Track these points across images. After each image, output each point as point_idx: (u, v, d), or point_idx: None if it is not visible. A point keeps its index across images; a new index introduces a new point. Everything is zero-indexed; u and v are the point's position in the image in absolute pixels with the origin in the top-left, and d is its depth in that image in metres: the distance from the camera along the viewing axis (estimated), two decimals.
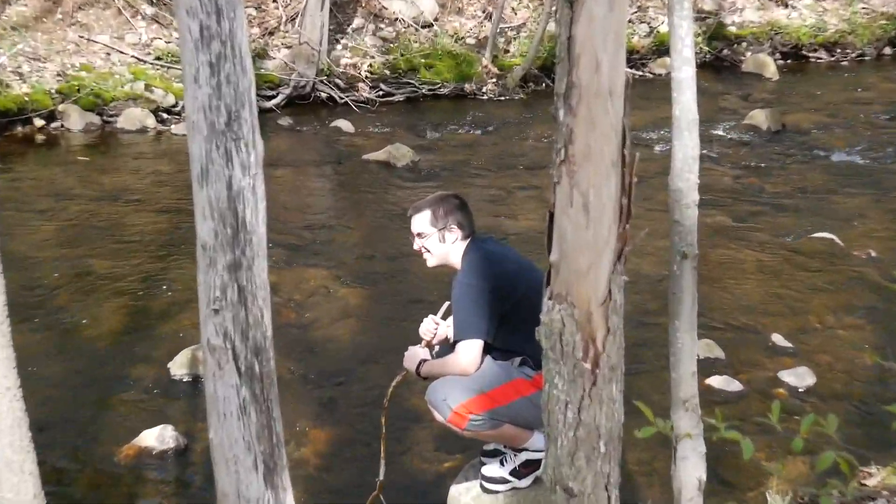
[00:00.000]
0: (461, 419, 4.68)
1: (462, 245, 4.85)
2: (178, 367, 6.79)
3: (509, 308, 4.63)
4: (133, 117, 13.48)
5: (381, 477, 4.95)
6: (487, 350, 4.81)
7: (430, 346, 5.08)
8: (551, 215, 2.31)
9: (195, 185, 2.62)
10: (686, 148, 4.39)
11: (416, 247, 4.90)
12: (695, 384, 4.36)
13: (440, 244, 4.84)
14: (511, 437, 4.84)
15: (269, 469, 2.80)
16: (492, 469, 5.02)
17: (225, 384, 2.75)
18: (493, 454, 5.13)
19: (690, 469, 4.41)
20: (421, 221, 4.87)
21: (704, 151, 12.06)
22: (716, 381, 6.60)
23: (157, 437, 5.97)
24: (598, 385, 2.29)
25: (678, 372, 4.34)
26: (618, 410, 2.33)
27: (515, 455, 4.98)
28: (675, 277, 4.38)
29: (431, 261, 4.89)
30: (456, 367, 4.67)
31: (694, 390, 4.35)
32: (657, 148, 12.58)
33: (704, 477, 4.48)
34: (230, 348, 2.72)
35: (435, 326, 5.05)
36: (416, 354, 4.96)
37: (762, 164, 12.08)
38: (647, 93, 15.16)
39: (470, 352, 4.65)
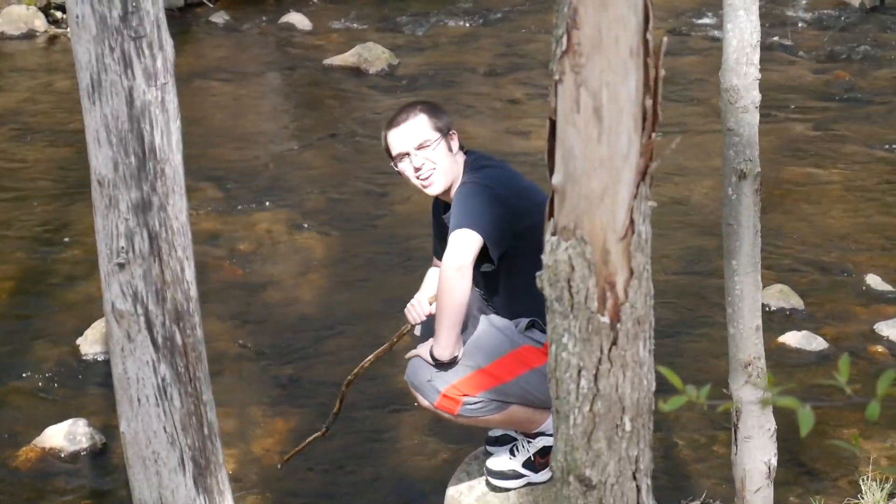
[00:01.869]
0: (453, 403, 4.70)
1: (460, 159, 4.84)
2: (90, 344, 6.83)
3: (522, 231, 4.62)
4: (15, 18, 13.41)
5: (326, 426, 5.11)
6: (480, 302, 4.82)
7: (409, 332, 5.08)
8: (553, 124, 2.30)
9: (85, 102, 2.62)
10: (742, 32, 4.40)
11: (416, 164, 4.75)
12: (760, 342, 4.41)
13: (448, 154, 4.77)
14: (521, 421, 4.86)
15: (199, 468, 2.83)
16: (500, 461, 5.05)
17: (137, 361, 2.77)
18: (501, 441, 5.16)
19: (756, 452, 4.48)
20: (419, 127, 4.76)
21: (775, 38, 12.07)
22: (792, 339, 6.64)
23: (67, 435, 6.01)
24: (620, 344, 2.30)
25: (737, 326, 4.39)
26: (647, 376, 2.34)
27: (529, 442, 5.02)
28: (731, 203, 4.41)
29: (439, 181, 4.77)
30: (447, 282, 4.55)
31: (759, 350, 4.40)
32: (711, 33, 12.55)
33: (775, 462, 4.55)
34: (142, 314, 2.74)
35: (425, 310, 4.97)
36: (420, 356, 4.88)
37: (853, 54, 12.06)
38: None
39: (462, 242, 4.53)
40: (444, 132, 4.78)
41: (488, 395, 4.69)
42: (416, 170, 4.74)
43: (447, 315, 4.60)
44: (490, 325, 4.81)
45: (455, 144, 4.82)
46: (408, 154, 4.76)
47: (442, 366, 4.70)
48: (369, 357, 5.09)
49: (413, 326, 5.03)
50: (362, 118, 10.73)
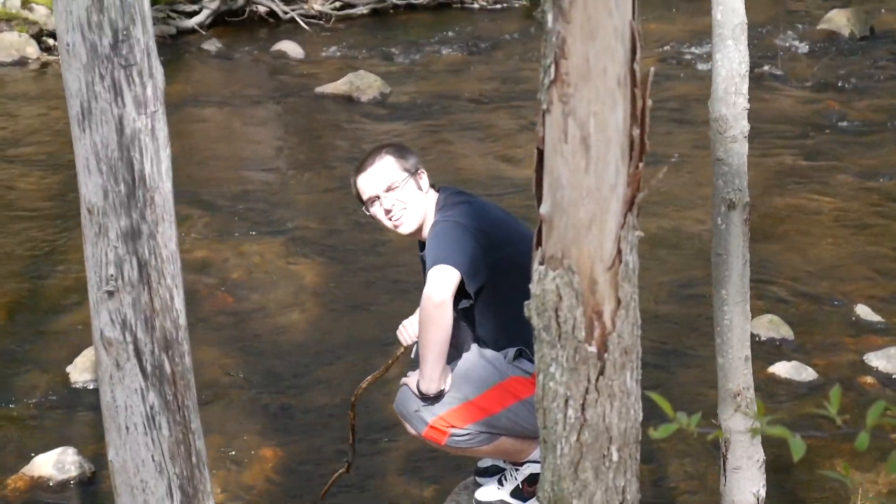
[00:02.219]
0: (440, 434, 4.72)
1: (431, 198, 4.86)
2: (80, 372, 6.82)
3: (497, 262, 4.63)
4: (7, 45, 13.45)
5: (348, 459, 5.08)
6: (472, 333, 4.82)
7: (406, 353, 5.09)
8: (541, 154, 2.31)
9: (75, 130, 2.63)
10: (731, 62, 4.42)
11: (386, 206, 4.79)
12: (749, 372, 4.41)
13: (418, 193, 4.80)
14: (509, 451, 4.87)
15: (187, 497, 2.83)
16: (488, 492, 5.07)
17: (126, 389, 2.77)
18: (490, 472, 5.17)
19: (745, 483, 4.48)
20: (386, 170, 4.81)
21: (765, 68, 12.12)
22: (782, 369, 6.64)
23: (55, 464, 5.99)
24: (607, 374, 2.31)
25: (726, 356, 4.40)
26: (634, 406, 2.35)
27: (517, 470, 5.03)
28: (720, 233, 4.42)
29: (410, 221, 4.81)
30: (426, 315, 4.58)
31: (748, 380, 4.41)
32: (699, 66, 12.59)
33: (764, 493, 4.55)
34: (131, 342, 2.74)
35: (416, 331, 4.98)
36: (408, 386, 4.89)
37: (844, 83, 12.11)
38: None
39: (440, 277, 4.54)
40: (412, 172, 4.81)
41: (476, 427, 4.70)
42: (387, 211, 4.79)
43: (430, 350, 4.62)
44: (479, 356, 4.81)
45: (424, 183, 4.84)
46: (378, 197, 4.80)
47: (428, 399, 4.71)
48: (367, 378, 5.12)
49: (407, 348, 5.04)
50: (354, 146, 10.74)
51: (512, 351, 4.77)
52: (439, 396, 4.71)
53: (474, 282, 4.62)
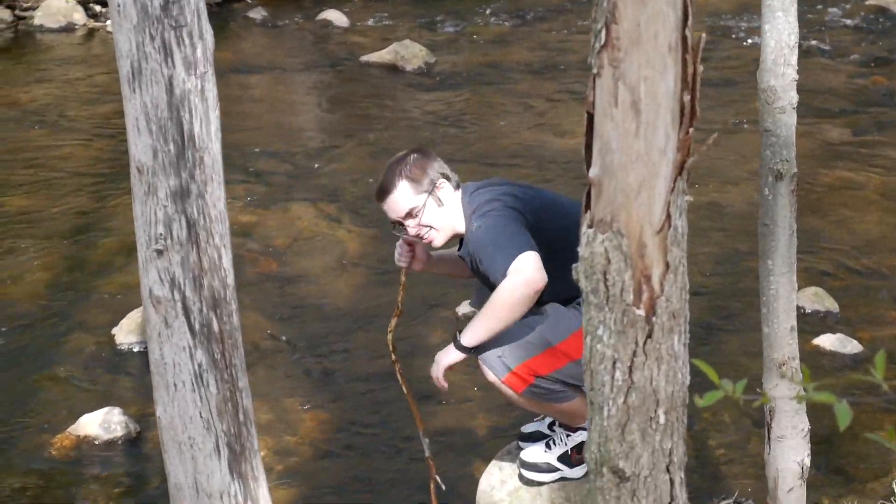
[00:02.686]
0: (521, 382, 4.69)
1: (456, 198, 4.83)
2: (126, 334, 6.87)
3: (546, 230, 4.63)
4: (55, 11, 13.49)
5: (428, 452, 5.00)
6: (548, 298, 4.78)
7: (407, 274, 5.01)
8: (590, 118, 2.31)
9: (125, 90, 2.64)
10: (780, 33, 4.39)
11: (412, 232, 4.80)
12: (794, 342, 4.40)
13: (439, 210, 4.78)
14: (573, 412, 4.83)
15: (234, 454, 2.85)
16: (535, 453, 5.05)
17: (174, 346, 2.79)
18: (535, 438, 5.16)
19: (789, 452, 4.47)
20: (402, 197, 4.77)
21: (814, 42, 12.02)
22: (827, 341, 6.62)
23: (101, 424, 6.05)
24: (655, 337, 2.31)
25: (771, 326, 4.39)
26: (681, 369, 2.35)
27: (568, 436, 5.02)
28: (767, 204, 4.40)
29: (439, 237, 4.81)
30: (514, 291, 4.51)
31: (793, 350, 4.39)
32: (749, 40, 12.51)
33: (808, 462, 4.54)
34: (179, 300, 2.76)
35: (409, 249, 4.98)
36: (442, 356, 4.87)
37: (890, 58, 11.99)
38: None
39: (526, 262, 4.50)
40: (430, 190, 4.77)
41: (558, 374, 4.67)
42: (415, 235, 4.80)
43: (497, 323, 4.60)
44: (557, 306, 4.78)
45: (445, 193, 4.80)
46: (401, 223, 4.81)
47: (463, 349, 4.71)
48: (392, 321, 5.04)
49: (406, 269, 5.00)
50: (398, 115, 10.74)
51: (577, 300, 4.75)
52: (469, 351, 4.72)
53: (555, 256, 4.62)
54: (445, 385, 4.85)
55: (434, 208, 4.77)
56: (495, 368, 4.69)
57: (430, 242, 4.84)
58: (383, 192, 4.82)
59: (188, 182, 2.72)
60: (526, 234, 4.58)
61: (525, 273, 4.49)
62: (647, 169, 2.27)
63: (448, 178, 4.84)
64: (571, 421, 4.92)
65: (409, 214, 4.78)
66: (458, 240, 4.94)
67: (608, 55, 2.25)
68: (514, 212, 4.66)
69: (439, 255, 5.15)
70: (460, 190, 4.86)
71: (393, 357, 5.05)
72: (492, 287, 4.64)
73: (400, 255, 4.98)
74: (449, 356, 4.76)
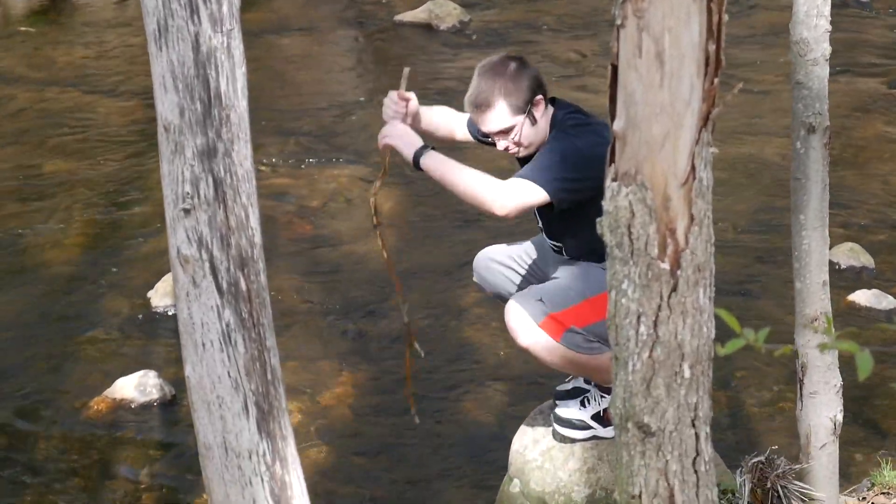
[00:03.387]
0: (558, 327, 4.63)
1: (547, 114, 4.76)
2: (161, 297, 6.91)
3: (591, 197, 4.57)
4: None
5: (406, 318, 4.83)
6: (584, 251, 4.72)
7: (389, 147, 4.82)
8: (614, 70, 2.30)
9: (152, 48, 2.64)
10: None
11: (501, 147, 4.72)
12: (826, 297, 4.38)
13: (532, 128, 4.71)
14: (606, 370, 4.79)
15: (262, 413, 2.86)
16: (569, 410, 5.03)
17: (202, 306, 2.80)
18: (573, 395, 5.13)
19: (821, 408, 4.46)
20: (498, 118, 4.68)
21: None
22: (862, 297, 6.59)
23: (137, 387, 6.10)
24: (680, 291, 2.30)
25: (804, 281, 4.37)
26: (706, 324, 2.34)
27: (603, 397, 5.01)
28: (799, 157, 4.37)
29: (526, 151, 4.75)
30: (485, 193, 4.44)
31: (826, 305, 4.37)
32: None
33: (840, 417, 4.52)
34: (207, 259, 2.77)
35: (402, 103, 4.72)
36: (408, 132, 4.64)
37: None
38: None
39: (520, 193, 4.46)
40: (526, 108, 4.68)
41: (592, 328, 4.64)
42: (505, 149, 4.70)
43: (463, 186, 4.49)
44: (591, 265, 4.75)
45: (540, 111, 4.71)
46: (492, 135, 4.71)
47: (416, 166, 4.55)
48: (377, 184, 4.81)
49: (388, 152, 4.71)
50: (433, 75, 10.71)
51: None
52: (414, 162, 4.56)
53: (570, 202, 4.55)
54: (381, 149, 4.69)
55: (528, 127, 4.69)
56: (533, 312, 4.64)
57: (516, 155, 4.74)
58: (479, 106, 4.65)
59: (215, 141, 2.71)
60: (564, 177, 4.50)
61: (502, 197, 4.45)
62: (672, 120, 2.26)
63: (544, 93, 4.75)
64: (605, 380, 4.90)
65: (503, 133, 4.69)
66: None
67: (632, 5, 2.23)
68: (577, 151, 4.57)
69: (429, 113, 4.99)
70: (553, 106, 4.77)
71: (375, 220, 4.79)
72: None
73: (393, 111, 4.73)
74: (407, 149, 4.57)
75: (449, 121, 5.07)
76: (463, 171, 4.52)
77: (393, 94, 4.75)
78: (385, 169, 4.73)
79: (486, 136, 4.80)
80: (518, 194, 4.48)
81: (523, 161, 4.78)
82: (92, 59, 11.21)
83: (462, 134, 5.04)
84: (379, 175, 4.72)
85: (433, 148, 4.55)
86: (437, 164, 4.51)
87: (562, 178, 4.53)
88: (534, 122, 4.68)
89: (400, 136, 4.61)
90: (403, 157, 4.56)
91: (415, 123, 4.81)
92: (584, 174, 4.53)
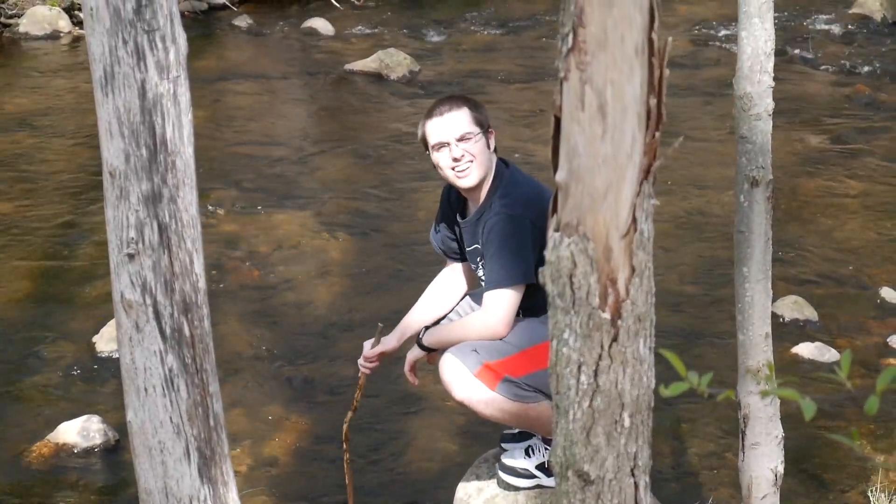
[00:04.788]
0: (494, 377, 4.68)
1: (494, 160, 4.87)
2: (106, 342, 6.87)
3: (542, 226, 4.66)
4: (39, 19, 13.49)
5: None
6: (521, 308, 4.82)
7: (362, 386, 5.18)
8: (557, 121, 2.32)
9: (98, 94, 2.65)
10: (757, 40, 4.41)
11: (455, 154, 4.77)
12: (769, 349, 4.41)
13: (486, 150, 4.80)
14: (546, 422, 4.82)
15: (204, 459, 2.85)
16: (515, 459, 5.05)
17: (145, 350, 2.79)
18: (518, 438, 5.15)
19: (763, 459, 4.48)
20: (463, 119, 4.78)
21: (796, 51, 12.05)
22: (805, 350, 6.64)
23: (80, 431, 6.05)
24: (621, 341, 2.31)
25: (746, 333, 4.39)
26: (646, 373, 2.35)
27: (547, 448, 5.03)
28: (743, 211, 4.41)
29: (474, 174, 4.79)
30: (482, 328, 4.69)
31: (768, 356, 4.40)
32: (727, 46, 12.54)
33: (782, 469, 4.54)
34: (151, 304, 2.76)
35: (375, 363, 5.11)
36: (412, 349, 4.99)
37: (874, 67, 12.04)
38: None
39: (504, 304, 4.64)
40: (485, 129, 4.81)
41: (527, 379, 4.69)
42: (455, 160, 4.75)
43: (455, 339, 4.72)
44: (528, 319, 4.83)
45: (492, 143, 4.85)
46: (447, 144, 4.76)
47: (423, 347, 4.91)
48: (348, 414, 5.18)
49: (367, 378, 5.16)
50: (383, 124, 10.76)
51: None
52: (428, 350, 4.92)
53: (534, 276, 4.68)
54: (415, 380, 5.02)
55: (483, 145, 4.78)
56: (468, 362, 4.69)
57: (461, 178, 4.81)
58: (440, 109, 4.81)
59: (160, 186, 2.72)
60: (528, 259, 4.63)
61: (494, 319, 4.71)
62: (614, 173, 2.28)
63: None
64: (545, 431, 4.92)
65: (463, 137, 4.75)
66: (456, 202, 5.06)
67: (575, 59, 2.25)
68: (530, 225, 4.69)
69: (415, 319, 5.21)
70: (497, 159, 4.89)
71: (344, 446, 5.16)
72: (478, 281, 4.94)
73: (362, 366, 5.11)
74: (412, 353, 4.94)
75: (435, 304, 5.28)
76: (456, 328, 4.88)
77: (367, 349, 5.09)
78: (356, 403, 5.16)
79: (452, 235, 5.08)
80: (502, 310, 4.72)
81: (458, 204, 4.87)
82: (39, 103, 11.18)
83: (449, 298, 5.28)
84: (351, 407, 5.16)
85: (426, 328, 4.97)
86: (437, 337, 4.90)
87: (522, 259, 4.63)
88: (488, 146, 4.77)
89: (407, 357, 4.99)
90: (417, 358, 4.97)
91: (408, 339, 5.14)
92: (535, 237, 4.64)
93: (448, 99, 4.92)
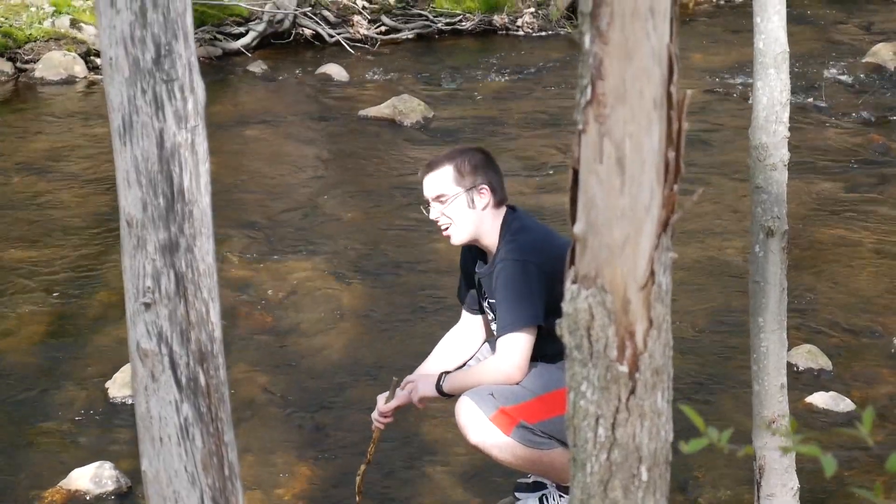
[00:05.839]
0: (509, 422, 4.70)
1: (497, 214, 4.89)
2: (119, 388, 6.86)
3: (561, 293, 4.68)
4: (56, 64, 13.56)
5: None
6: (536, 354, 4.84)
7: (377, 440, 5.23)
8: (575, 174, 2.32)
9: (116, 143, 2.65)
10: (772, 90, 4.42)
11: (433, 216, 4.87)
12: (784, 399, 4.40)
13: (468, 210, 4.84)
14: (560, 468, 4.83)
15: None
16: None
17: (160, 400, 2.79)
18: (532, 488, 5.15)
19: None
20: (439, 180, 4.85)
21: (809, 100, 12.08)
22: (820, 399, 6.61)
23: (93, 478, 6.03)
24: (638, 394, 2.31)
25: (762, 384, 4.39)
26: (664, 426, 2.35)
27: (561, 496, 5.02)
28: (758, 261, 4.42)
29: (458, 234, 4.84)
30: (496, 373, 4.72)
31: (784, 407, 4.39)
32: (742, 96, 12.57)
33: None
34: (166, 354, 2.76)
35: (389, 418, 5.15)
36: (426, 377, 5.01)
37: (888, 116, 12.04)
38: (734, 22, 15.16)
39: (517, 349, 4.68)
40: (469, 188, 4.82)
41: (542, 426, 4.70)
42: (435, 220, 4.84)
43: (479, 381, 4.73)
44: (543, 365, 4.85)
45: (481, 200, 4.85)
46: (428, 204, 4.88)
47: (440, 392, 4.94)
48: (361, 468, 5.27)
49: (382, 432, 5.22)
50: (396, 169, 10.78)
51: None
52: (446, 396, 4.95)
53: (542, 319, 4.70)
54: (421, 406, 5.11)
55: (463, 205, 4.83)
56: (484, 405, 4.70)
57: (446, 238, 4.87)
58: (428, 167, 4.93)
59: (177, 236, 2.72)
60: (536, 302, 4.65)
61: (508, 364, 4.74)
62: (632, 225, 2.28)
63: (494, 191, 4.90)
64: (561, 477, 4.91)
65: (438, 198, 4.83)
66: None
67: (594, 111, 2.26)
68: (536, 269, 4.71)
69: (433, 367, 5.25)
70: (506, 208, 4.92)
71: (357, 499, 5.27)
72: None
73: (377, 420, 5.16)
74: (428, 388, 4.96)
75: (451, 354, 5.36)
76: (472, 373, 4.91)
77: (381, 404, 5.15)
78: (370, 457, 5.25)
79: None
80: (516, 354, 4.77)
81: (479, 254, 4.88)
82: (54, 147, 11.23)
83: (466, 348, 5.31)
84: (365, 460, 5.25)
85: (445, 373, 4.99)
86: (456, 383, 4.91)
87: (530, 303, 4.66)
88: (471, 204, 4.78)
89: (419, 387, 5.02)
90: (428, 396, 5.02)
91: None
92: (543, 282, 4.66)
93: (438, 157, 4.97)
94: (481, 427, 4.71)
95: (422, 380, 4.99)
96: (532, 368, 4.79)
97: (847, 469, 5.81)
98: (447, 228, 4.84)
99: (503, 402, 4.70)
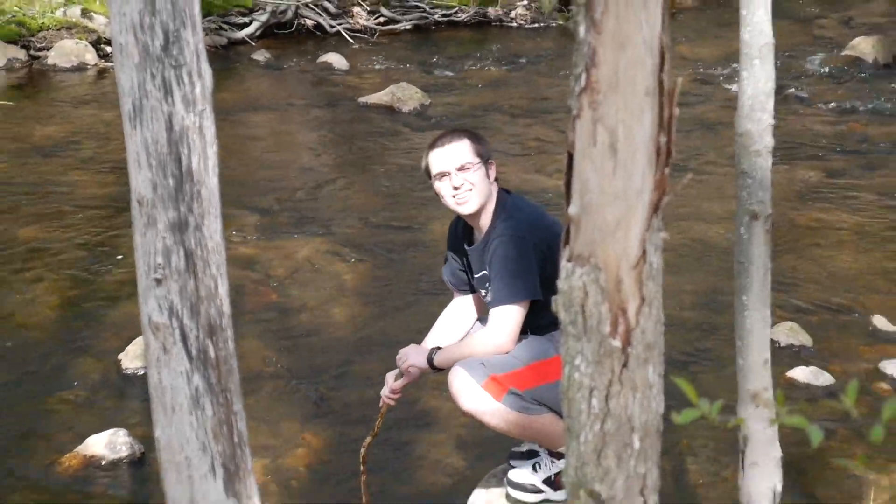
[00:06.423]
0: (500, 389, 4.70)
1: (495, 190, 4.92)
2: (132, 360, 6.86)
3: (553, 272, 4.67)
4: (67, 51, 13.53)
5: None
6: (526, 326, 4.84)
7: (384, 414, 5.23)
8: (570, 158, 2.31)
9: (127, 127, 2.64)
10: (757, 81, 4.40)
11: (455, 184, 4.83)
12: (768, 374, 4.39)
13: (485, 180, 4.86)
14: (550, 434, 4.84)
15: (229, 473, 2.84)
16: (522, 474, 5.06)
17: (172, 371, 2.78)
18: (526, 456, 5.16)
19: (761, 478, 4.45)
20: (463, 150, 4.84)
21: (791, 90, 12.08)
22: (800, 374, 6.62)
23: (107, 444, 6.03)
24: (630, 367, 2.30)
25: (746, 359, 4.37)
26: (655, 398, 2.34)
27: (553, 461, 5.03)
28: (743, 242, 4.40)
29: (473, 202, 4.84)
30: (487, 344, 4.71)
31: (766, 381, 4.38)
32: (728, 86, 12.55)
33: (780, 487, 4.52)
34: (177, 327, 2.75)
35: (398, 394, 5.14)
36: (419, 349, 5.01)
37: (866, 106, 12.04)
38: (721, 16, 15.13)
39: (510, 320, 4.68)
40: (485, 159, 4.85)
41: (532, 393, 4.70)
42: (455, 189, 4.80)
43: (471, 353, 4.71)
44: (533, 336, 4.85)
45: (493, 173, 4.90)
46: (447, 174, 4.82)
47: (433, 368, 4.92)
48: (366, 440, 5.26)
49: (391, 408, 5.21)
50: (395, 153, 10.77)
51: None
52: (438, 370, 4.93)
53: (539, 293, 4.70)
54: (413, 375, 5.03)
55: (482, 175, 4.84)
56: (475, 373, 4.70)
57: (462, 205, 4.85)
58: (443, 140, 4.90)
59: (186, 214, 2.71)
60: (532, 277, 4.66)
61: (500, 334, 4.73)
62: (624, 207, 2.27)
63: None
64: (552, 443, 4.92)
65: (462, 167, 4.83)
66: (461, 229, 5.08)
67: (588, 98, 2.25)
68: (533, 246, 4.72)
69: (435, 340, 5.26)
70: (499, 188, 4.93)
71: (361, 468, 5.23)
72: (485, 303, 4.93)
73: (388, 397, 5.14)
74: (419, 360, 4.94)
75: (447, 332, 5.32)
76: (464, 345, 4.90)
77: (390, 381, 5.14)
78: (376, 430, 5.23)
79: (461, 265, 5.15)
80: (508, 326, 4.76)
81: (465, 234, 4.87)
82: (66, 131, 11.21)
83: (461, 327, 5.31)
84: (371, 433, 5.24)
85: (437, 348, 4.95)
86: (447, 357, 4.87)
87: (526, 277, 4.65)
88: (487, 175, 4.81)
89: (410, 357, 4.98)
90: (418, 366, 4.96)
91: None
92: (537, 258, 4.66)
93: (450, 132, 4.97)
94: (473, 393, 4.71)
95: (413, 351, 4.98)
96: (522, 339, 4.81)
97: (827, 440, 5.81)
98: (466, 197, 4.84)
99: (494, 371, 4.70)
